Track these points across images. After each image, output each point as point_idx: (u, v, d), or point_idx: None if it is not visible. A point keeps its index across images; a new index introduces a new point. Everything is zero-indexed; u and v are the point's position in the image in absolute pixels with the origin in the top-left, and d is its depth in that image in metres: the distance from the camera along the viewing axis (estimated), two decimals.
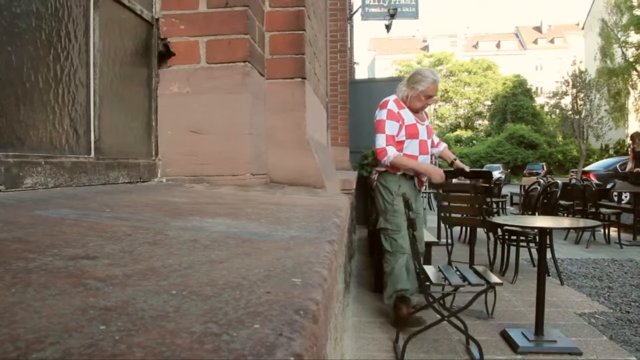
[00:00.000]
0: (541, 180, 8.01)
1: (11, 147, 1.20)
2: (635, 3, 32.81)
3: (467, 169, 4.37)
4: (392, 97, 4.22)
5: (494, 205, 9.40)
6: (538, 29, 73.02)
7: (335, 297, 1.61)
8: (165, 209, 1.22)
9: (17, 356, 0.37)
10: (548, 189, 6.36)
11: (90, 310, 0.48)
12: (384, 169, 4.23)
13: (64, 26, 1.41)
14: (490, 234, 6.69)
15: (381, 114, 4.13)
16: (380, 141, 4.09)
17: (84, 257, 0.69)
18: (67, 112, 1.42)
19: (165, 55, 1.98)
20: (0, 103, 1.16)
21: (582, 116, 35.17)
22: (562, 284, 5.55)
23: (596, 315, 4.43)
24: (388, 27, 12.94)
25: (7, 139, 1.19)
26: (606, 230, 8.54)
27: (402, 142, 4.13)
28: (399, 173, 4.18)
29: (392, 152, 4.06)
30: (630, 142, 12.03)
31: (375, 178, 4.33)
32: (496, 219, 4.98)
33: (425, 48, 70.03)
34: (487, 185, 5.35)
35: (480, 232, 7.86)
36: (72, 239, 0.79)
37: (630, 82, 35.37)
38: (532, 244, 5.91)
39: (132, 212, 1.12)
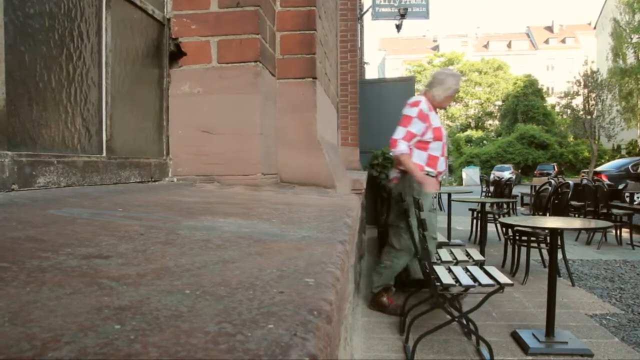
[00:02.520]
0: (552, 181, 7.96)
1: (24, 147, 1.20)
2: None
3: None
4: (423, 98, 4.37)
5: (505, 206, 9.36)
6: (549, 29, 72.63)
7: (346, 298, 1.60)
8: (176, 209, 1.23)
9: (34, 355, 0.37)
10: (559, 189, 6.32)
11: (104, 309, 0.48)
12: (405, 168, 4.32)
13: (77, 26, 1.42)
14: (501, 235, 6.66)
15: (411, 111, 4.30)
16: (399, 134, 4.23)
17: (98, 256, 0.69)
18: (79, 111, 1.43)
19: (177, 55, 1.99)
20: (13, 102, 1.16)
21: (593, 116, 34.91)
22: (573, 285, 5.52)
23: (608, 317, 4.39)
24: (398, 27, 12.89)
25: (20, 138, 1.20)
26: (618, 231, 8.47)
27: (428, 143, 4.28)
28: (423, 172, 4.29)
29: (402, 147, 4.19)
30: None
31: (398, 177, 4.42)
32: (507, 220, 4.96)
33: (436, 48, 69.87)
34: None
35: (491, 232, 7.84)
36: (85, 238, 0.79)
37: None
38: (542, 245, 5.87)
39: (144, 212, 1.12)
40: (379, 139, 9.61)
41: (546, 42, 69.36)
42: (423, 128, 4.27)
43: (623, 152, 37.42)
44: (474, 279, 3.47)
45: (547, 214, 5.99)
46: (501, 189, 9.28)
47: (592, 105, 34.99)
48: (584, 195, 9.51)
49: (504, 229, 6.68)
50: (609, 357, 3.50)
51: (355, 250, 3.63)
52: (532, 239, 5.84)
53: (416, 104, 4.32)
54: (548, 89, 55.68)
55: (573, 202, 9.25)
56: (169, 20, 1.98)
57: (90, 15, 1.49)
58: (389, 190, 5.21)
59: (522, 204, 14.14)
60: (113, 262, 0.67)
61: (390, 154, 4.31)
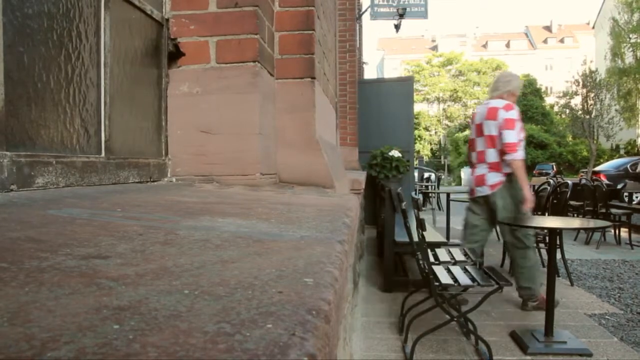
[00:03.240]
0: (551, 181, 7.96)
1: (23, 147, 1.20)
2: None
3: None
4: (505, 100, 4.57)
5: None
6: (548, 29, 72.66)
7: (345, 297, 1.61)
8: (175, 209, 1.23)
9: (33, 355, 0.37)
10: (558, 189, 6.33)
11: (103, 309, 0.48)
12: (511, 171, 4.46)
13: (75, 26, 1.42)
14: (500, 235, 6.66)
15: (513, 114, 4.44)
16: (514, 137, 4.36)
17: (97, 256, 0.69)
18: (78, 112, 1.43)
19: (175, 55, 1.99)
20: (12, 103, 1.16)
21: (592, 116, 34.92)
22: (572, 284, 5.52)
23: (606, 317, 4.40)
24: (397, 27, 12.89)
25: (18, 138, 1.20)
26: (617, 231, 8.47)
27: (520, 142, 4.44)
28: None
29: (522, 153, 4.40)
30: None
31: (503, 180, 4.52)
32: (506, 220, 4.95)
33: (434, 48, 69.87)
34: None
35: None
36: (84, 238, 0.79)
37: None
38: (541, 245, 5.87)
39: (143, 212, 1.12)
40: (378, 139, 9.63)
41: (545, 41, 69.39)
42: (520, 128, 4.46)
43: (622, 151, 37.45)
44: (473, 279, 3.47)
45: (546, 214, 6.00)
46: None
47: (590, 105, 35.01)
48: (582, 195, 9.51)
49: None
50: (607, 357, 3.50)
51: (354, 250, 3.63)
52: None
53: (511, 107, 4.47)
54: (547, 88, 55.73)
55: (572, 202, 9.24)
56: (167, 20, 1.98)
57: (89, 15, 1.49)
58: (389, 190, 5.21)
59: None
60: (112, 262, 0.67)
61: (507, 158, 4.38)
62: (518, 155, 4.33)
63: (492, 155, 4.52)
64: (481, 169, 4.63)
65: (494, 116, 4.47)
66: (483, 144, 4.60)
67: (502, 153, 4.43)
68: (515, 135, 4.35)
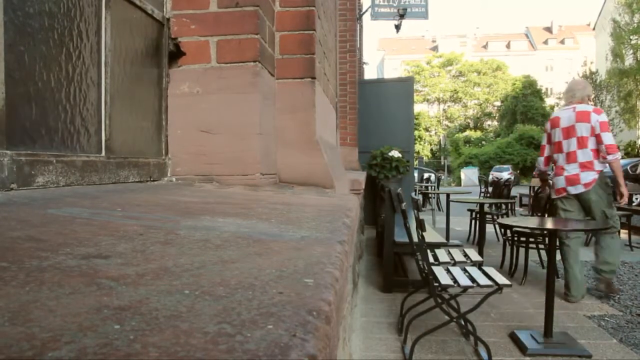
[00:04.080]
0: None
1: (23, 146, 1.20)
2: None
3: None
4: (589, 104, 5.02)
5: (503, 207, 9.36)
6: (548, 30, 72.65)
7: (345, 298, 1.61)
8: (176, 209, 1.23)
9: (33, 355, 0.37)
10: None
11: (104, 309, 0.48)
12: (602, 168, 4.87)
13: (76, 26, 1.42)
14: (500, 235, 6.66)
15: (605, 117, 4.85)
16: (612, 139, 4.79)
17: (97, 256, 0.69)
18: (78, 111, 1.43)
19: (176, 55, 1.99)
20: (13, 102, 1.16)
21: None
22: None
23: (606, 318, 4.39)
24: (397, 27, 12.89)
25: (19, 137, 1.20)
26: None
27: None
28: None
29: (619, 152, 4.77)
30: None
31: (596, 178, 4.86)
32: (506, 221, 4.96)
33: (435, 48, 69.87)
34: None
35: (489, 233, 7.84)
36: (85, 237, 0.79)
37: None
38: (541, 246, 5.87)
39: (143, 212, 1.12)
40: (378, 139, 9.64)
41: (545, 42, 69.39)
42: None
43: (622, 153, 37.46)
44: (473, 280, 3.47)
45: (546, 215, 6.00)
46: (500, 189, 9.27)
47: None
48: None
49: (502, 230, 6.68)
50: (607, 358, 3.50)
51: (354, 251, 3.63)
52: (531, 239, 5.84)
53: (600, 110, 4.86)
54: (547, 89, 55.81)
55: None
56: (168, 20, 1.98)
57: (90, 14, 1.49)
58: (388, 191, 5.21)
59: (521, 205, 14.14)
60: (112, 262, 0.67)
61: (610, 158, 4.73)
62: (618, 154, 4.73)
63: (583, 155, 4.86)
64: (573, 169, 4.95)
65: (587, 119, 4.81)
66: (574, 145, 4.92)
67: (595, 152, 4.79)
68: (612, 137, 4.75)
